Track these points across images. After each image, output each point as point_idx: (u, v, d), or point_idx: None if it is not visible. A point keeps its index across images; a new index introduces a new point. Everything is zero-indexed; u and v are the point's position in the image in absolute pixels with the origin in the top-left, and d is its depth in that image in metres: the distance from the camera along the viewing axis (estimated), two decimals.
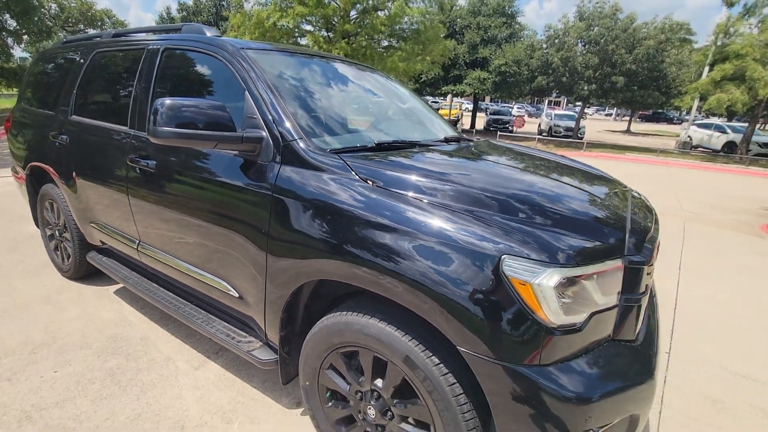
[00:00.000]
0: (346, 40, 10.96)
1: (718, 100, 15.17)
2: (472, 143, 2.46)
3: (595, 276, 1.25)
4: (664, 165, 14.57)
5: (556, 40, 20.09)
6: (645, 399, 1.29)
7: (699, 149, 20.76)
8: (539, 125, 26.20)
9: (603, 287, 1.27)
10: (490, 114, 27.50)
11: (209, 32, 2.22)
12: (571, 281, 1.20)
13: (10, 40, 14.35)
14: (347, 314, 1.55)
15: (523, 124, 23.83)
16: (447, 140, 2.41)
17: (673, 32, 18.78)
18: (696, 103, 19.03)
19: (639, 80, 19.63)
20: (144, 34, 2.63)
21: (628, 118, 37.80)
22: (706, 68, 17.67)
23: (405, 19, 10.67)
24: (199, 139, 1.64)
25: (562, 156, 2.48)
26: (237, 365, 2.38)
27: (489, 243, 1.23)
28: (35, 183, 3.30)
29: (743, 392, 2.45)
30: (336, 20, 10.64)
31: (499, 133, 21.78)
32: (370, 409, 1.58)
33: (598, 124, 43.83)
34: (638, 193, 2.04)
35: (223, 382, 2.25)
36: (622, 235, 1.36)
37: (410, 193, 1.42)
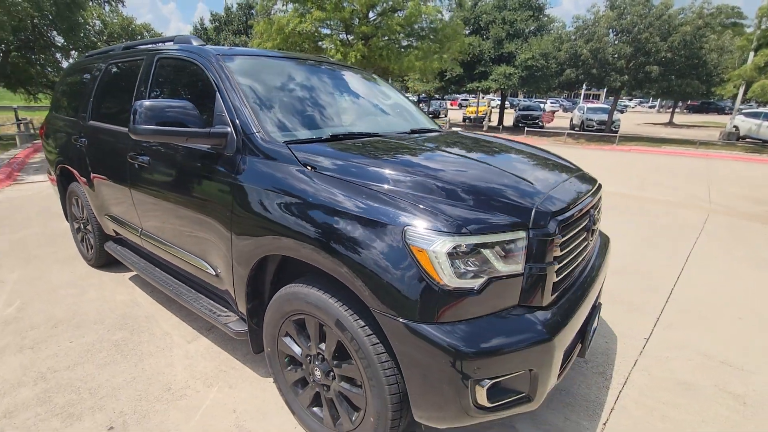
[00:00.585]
0: (364, 41, 11.22)
1: (762, 87, 14.18)
2: (434, 134, 2.59)
3: (493, 245, 1.37)
4: (704, 157, 13.78)
5: (585, 31, 19.42)
6: (541, 358, 1.39)
7: (747, 140, 19.39)
8: (571, 120, 25.37)
9: (504, 256, 1.39)
10: (520, 110, 26.94)
11: (195, 42, 2.48)
12: (466, 249, 1.34)
13: (58, 56, 15.72)
14: (295, 286, 1.74)
15: (552, 119, 23.25)
16: (413, 132, 2.56)
17: (713, 17, 17.66)
18: (741, 91, 17.82)
19: (676, 69, 18.59)
20: (148, 46, 2.94)
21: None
22: (751, 54, 16.53)
23: (423, 17, 10.76)
24: (172, 135, 1.90)
25: (516, 142, 2.56)
26: (224, 340, 2.63)
27: (395, 216, 1.39)
28: (64, 182, 3.74)
29: (718, 377, 2.43)
30: (356, 22, 10.89)
31: (526, 129, 21.31)
32: (316, 370, 1.77)
33: (639, 116, 41.76)
34: (582, 175, 2.10)
35: (210, 354, 2.51)
36: (528, 211, 1.47)
37: (340, 176, 1.60)
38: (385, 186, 1.52)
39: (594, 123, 22.58)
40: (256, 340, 2.08)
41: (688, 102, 41.55)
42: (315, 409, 1.87)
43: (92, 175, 3.10)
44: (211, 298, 2.39)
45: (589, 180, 2.05)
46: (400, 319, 1.35)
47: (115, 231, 3.15)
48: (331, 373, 1.72)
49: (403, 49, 10.77)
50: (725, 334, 2.90)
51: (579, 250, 1.72)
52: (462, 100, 49.60)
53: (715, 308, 3.25)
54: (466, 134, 2.72)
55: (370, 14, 11.49)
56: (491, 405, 1.37)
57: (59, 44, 15.29)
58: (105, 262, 3.60)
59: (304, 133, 2.07)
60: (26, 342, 2.59)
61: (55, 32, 14.43)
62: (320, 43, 10.44)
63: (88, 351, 2.50)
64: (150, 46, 2.82)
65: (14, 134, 12.10)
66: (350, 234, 1.44)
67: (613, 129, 21.13)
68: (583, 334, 1.82)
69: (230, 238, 1.93)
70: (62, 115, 3.65)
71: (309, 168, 1.68)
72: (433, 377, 1.35)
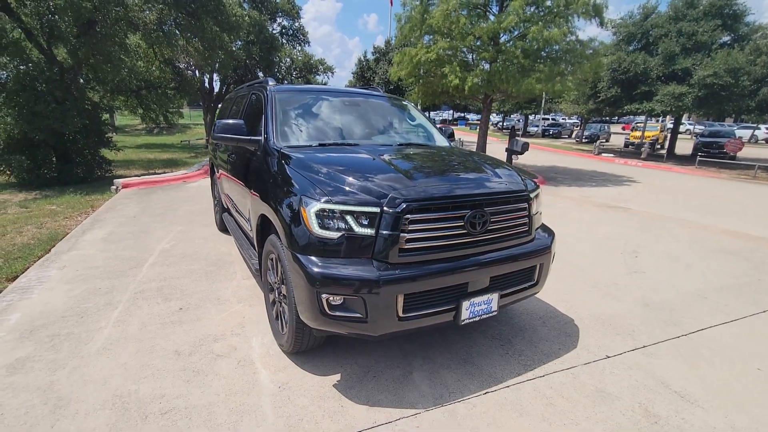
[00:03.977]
0: (487, 65, 11.73)
1: None
2: (410, 147, 3.29)
3: (352, 213, 2.11)
4: None
5: None
6: (371, 293, 2.02)
7: None
8: None
9: (361, 222, 2.11)
10: (702, 136, 22.57)
11: (271, 82, 3.77)
12: (329, 212, 2.12)
13: None
14: (272, 236, 2.75)
15: (741, 148, 18.79)
16: (400, 144, 3.33)
17: None
18: None
19: None
20: (254, 84, 4.41)
21: None
22: None
23: (553, 41, 10.67)
24: (231, 141, 3.17)
25: (474, 154, 3.01)
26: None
27: (301, 190, 2.27)
28: (212, 174, 5.64)
29: (650, 399, 2.41)
30: (490, 48, 11.49)
31: (698, 159, 17.84)
32: (276, 292, 2.73)
33: None
34: (492, 182, 2.52)
35: (250, 287, 3.73)
36: (385, 195, 2.13)
37: (295, 167, 2.55)
38: (309, 173, 2.40)
39: None
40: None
41: None
42: (276, 320, 2.83)
43: (218, 167, 4.76)
44: (253, 247, 3.60)
45: (490, 186, 2.47)
46: (291, 250, 2.22)
47: (226, 204, 4.74)
48: (281, 294, 2.66)
49: (522, 72, 10.80)
50: (714, 376, 2.67)
51: (445, 233, 2.23)
52: (636, 123, 43.50)
53: (733, 356, 2.91)
54: (433, 147, 3.34)
55: (501, 38, 11.94)
56: (333, 314, 2.10)
57: (260, 77, 20.35)
58: (225, 227, 5.29)
59: (301, 142, 3.09)
60: (166, 262, 4.28)
61: (258, 69, 19.35)
62: (442, 69, 11.40)
63: (191, 272, 4.02)
64: (254, 83, 4.28)
65: None
66: (282, 199, 2.38)
67: None
68: (457, 305, 2.30)
69: (250, 201, 3.08)
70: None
71: (285, 162, 2.68)
72: (302, 288, 2.16)
